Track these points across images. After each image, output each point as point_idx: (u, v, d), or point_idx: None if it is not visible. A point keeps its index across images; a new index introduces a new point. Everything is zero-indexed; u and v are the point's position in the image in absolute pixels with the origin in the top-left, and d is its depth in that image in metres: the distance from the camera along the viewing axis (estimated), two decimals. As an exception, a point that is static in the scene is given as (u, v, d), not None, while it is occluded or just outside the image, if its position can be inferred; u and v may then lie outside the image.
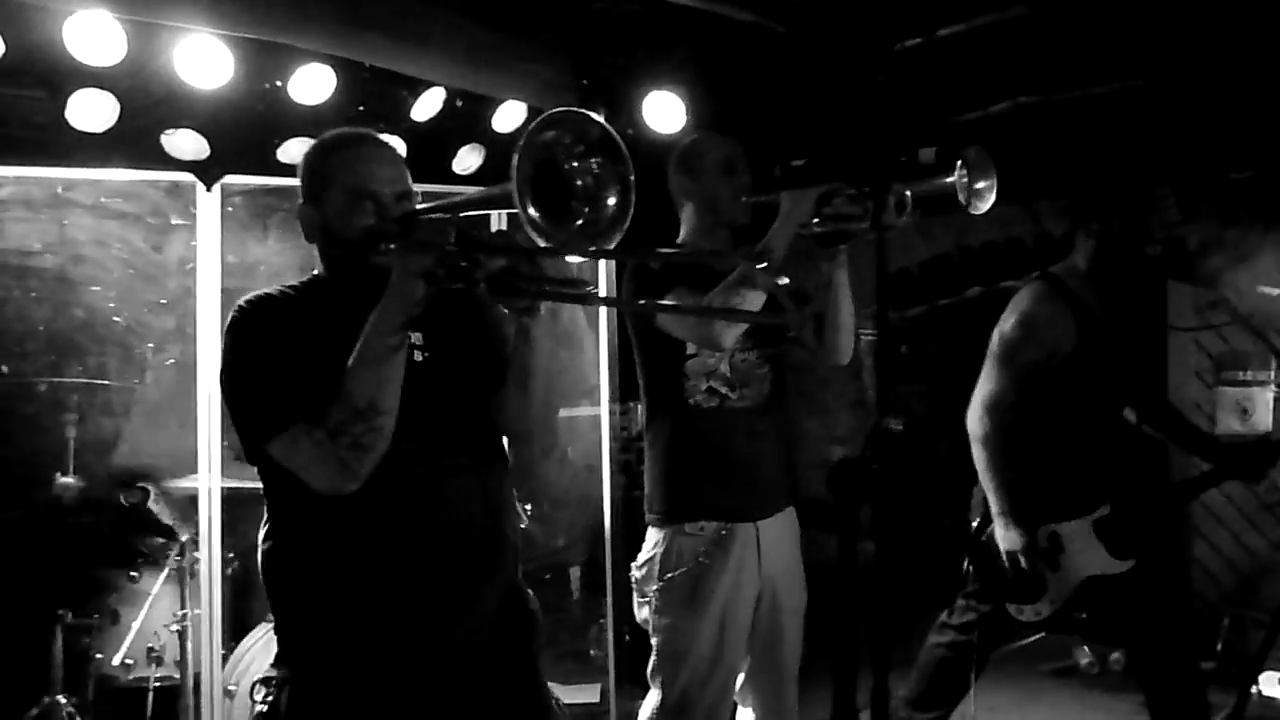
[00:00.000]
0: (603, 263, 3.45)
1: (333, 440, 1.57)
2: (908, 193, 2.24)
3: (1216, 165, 3.89)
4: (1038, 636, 3.09)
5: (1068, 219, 3.39)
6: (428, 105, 3.96)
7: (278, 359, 1.65)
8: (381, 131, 4.19)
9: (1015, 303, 2.96)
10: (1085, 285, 2.92)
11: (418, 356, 1.72)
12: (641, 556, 2.57)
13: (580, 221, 1.49)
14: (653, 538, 2.55)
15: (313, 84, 3.66)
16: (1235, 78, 3.45)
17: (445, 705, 1.72)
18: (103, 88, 3.45)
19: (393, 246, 1.61)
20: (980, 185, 2.24)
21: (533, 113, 3.57)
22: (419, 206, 1.75)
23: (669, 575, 2.48)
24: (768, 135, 2.90)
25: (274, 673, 1.79)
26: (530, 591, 1.89)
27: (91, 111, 3.49)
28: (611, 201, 1.50)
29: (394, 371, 1.60)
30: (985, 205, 2.26)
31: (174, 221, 3.55)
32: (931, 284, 5.22)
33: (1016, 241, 4.91)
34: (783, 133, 3.14)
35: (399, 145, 4.06)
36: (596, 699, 3.99)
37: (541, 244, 1.43)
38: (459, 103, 4.01)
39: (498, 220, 3.25)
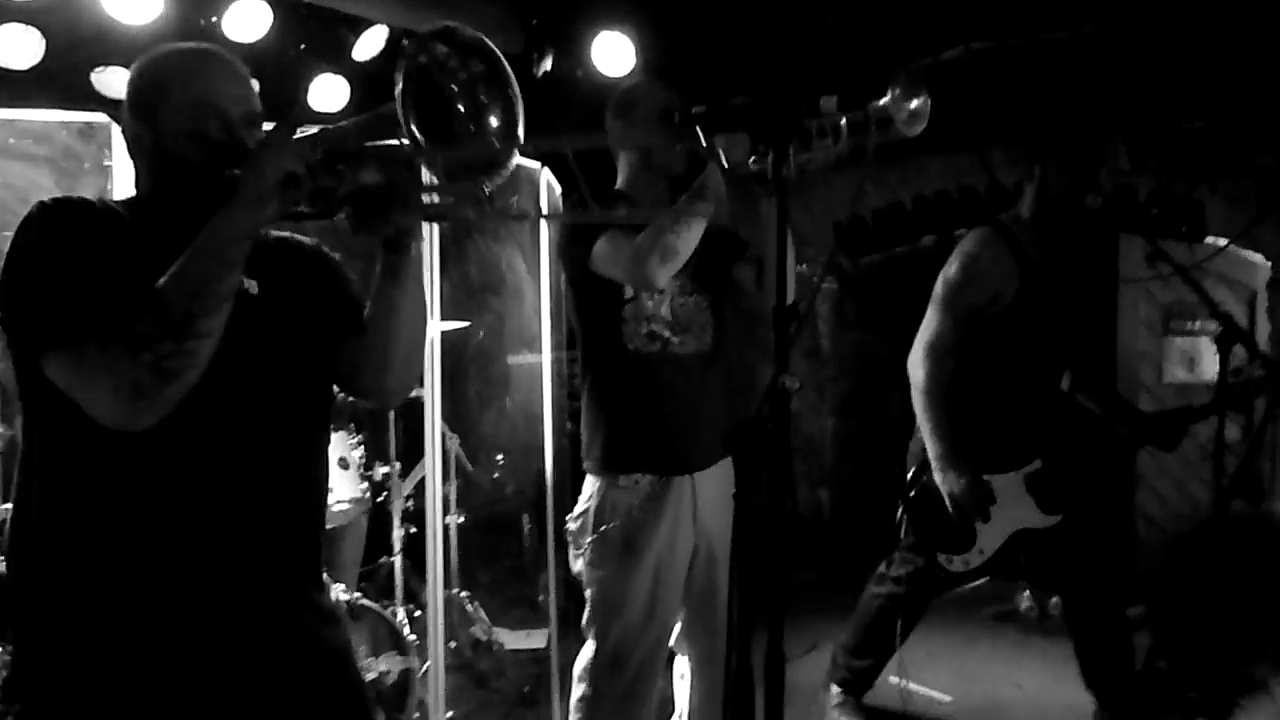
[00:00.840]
0: (544, 194, 3.38)
1: (132, 357, 1.29)
2: (843, 120, 2.17)
3: (1168, 115, 3.86)
4: (977, 583, 3.13)
5: (1018, 168, 3.36)
6: (370, 44, 3.86)
7: (80, 263, 1.37)
8: (323, 71, 4.09)
9: (959, 247, 2.95)
10: (1029, 234, 2.91)
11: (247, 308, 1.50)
12: (577, 509, 2.55)
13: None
14: (589, 488, 2.54)
15: (249, 20, 3.55)
16: (1187, 27, 3.41)
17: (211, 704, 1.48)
18: (27, 23, 3.32)
19: (238, 172, 1.37)
20: (914, 105, 2.17)
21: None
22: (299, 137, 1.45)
23: (602, 528, 2.47)
24: (712, 79, 2.83)
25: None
26: (330, 585, 1.70)
27: (15, 48, 3.36)
28: (494, 122, 1.40)
29: (222, 287, 1.33)
30: (920, 126, 2.19)
31: (89, 164, 3.43)
32: (885, 233, 5.20)
33: (970, 191, 4.89)
34: (723, 76, 3.07)
35: (342, 85, 3.96)
36: (544, 645, 4.02)
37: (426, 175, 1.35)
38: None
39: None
